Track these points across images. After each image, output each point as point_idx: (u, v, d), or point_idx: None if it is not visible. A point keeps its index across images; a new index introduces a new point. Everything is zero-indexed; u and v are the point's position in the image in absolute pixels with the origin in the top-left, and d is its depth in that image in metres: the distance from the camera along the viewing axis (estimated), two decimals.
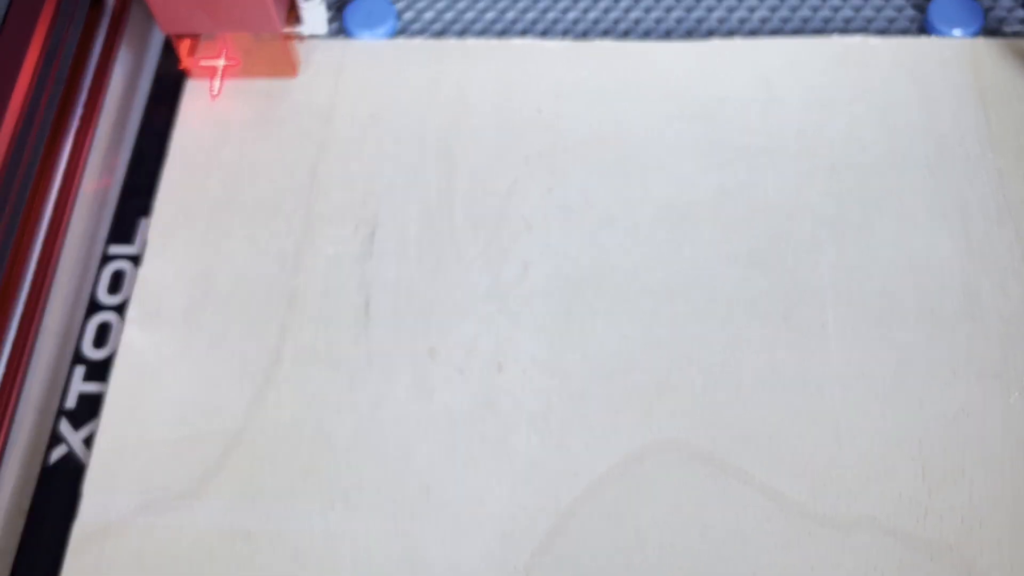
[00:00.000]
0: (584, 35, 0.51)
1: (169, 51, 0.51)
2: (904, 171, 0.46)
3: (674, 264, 0.44)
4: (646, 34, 0.51)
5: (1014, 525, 0.38)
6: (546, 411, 0.41)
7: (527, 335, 0.43)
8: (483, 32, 0.52)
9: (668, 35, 0.51)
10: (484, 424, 0.41)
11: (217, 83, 0.50)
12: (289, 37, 0.49)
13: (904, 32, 0.51)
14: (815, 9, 0.52)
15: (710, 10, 0.52)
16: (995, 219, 0.45)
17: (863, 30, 0.51)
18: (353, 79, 0.50)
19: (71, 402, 0.42)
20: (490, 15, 0.52)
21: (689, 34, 0.51)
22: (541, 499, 0.39)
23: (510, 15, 0.52)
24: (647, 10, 0.52)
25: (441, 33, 0.52)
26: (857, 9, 0.52)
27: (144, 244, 0.46)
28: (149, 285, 0.44)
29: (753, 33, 0.51)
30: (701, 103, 0.49)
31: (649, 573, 0.38)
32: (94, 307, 0.44)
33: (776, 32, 0.51)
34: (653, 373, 0.41)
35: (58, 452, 0.41)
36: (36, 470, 0.41)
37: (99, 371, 0.43)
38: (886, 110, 0.48)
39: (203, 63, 0.50)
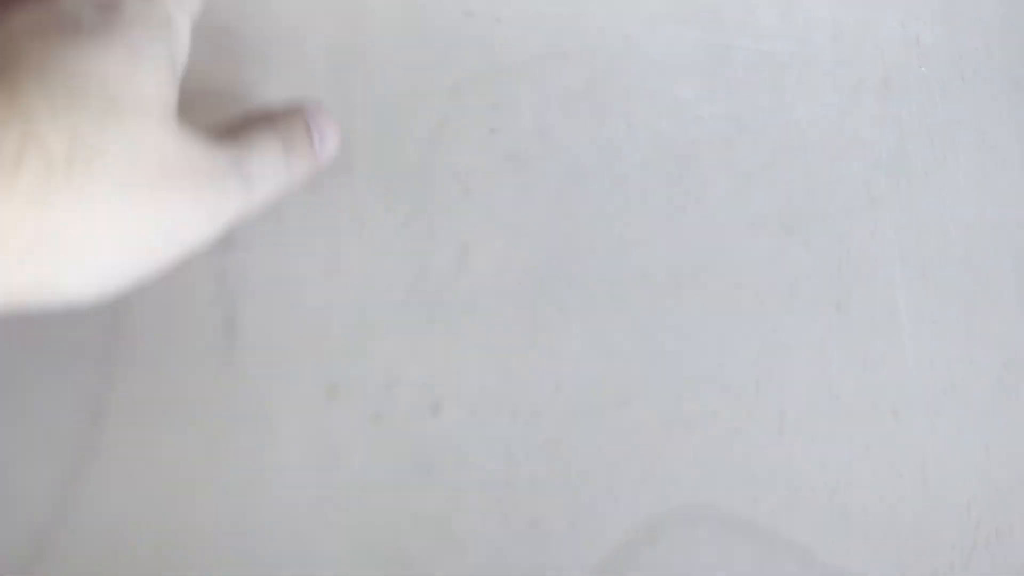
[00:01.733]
0: None
1: None
2: (980, 85, 0.33)
3: (678, 236, 0.31)
4: None
5: None
6: (507, 472, 0.28)
7: (473, 356, 0.29)
8: None
9: None
10: (416, 499, 0.27)
11: None
12: None
13: None
14: None
15: None
16: None
17: None
18: None
19: None
20: None
21: None
22: None
23: None
24: None
25: None
26: None
27: None
28: None
29: None
30: (692, 16, 0.34)
31: None
32: None
33: None
34: (659, 404, 0.28)
35: None
36: None
37: None
38: (950, 2, 0.35)
39: None
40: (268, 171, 0.25)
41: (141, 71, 0.21)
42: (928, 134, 0.32)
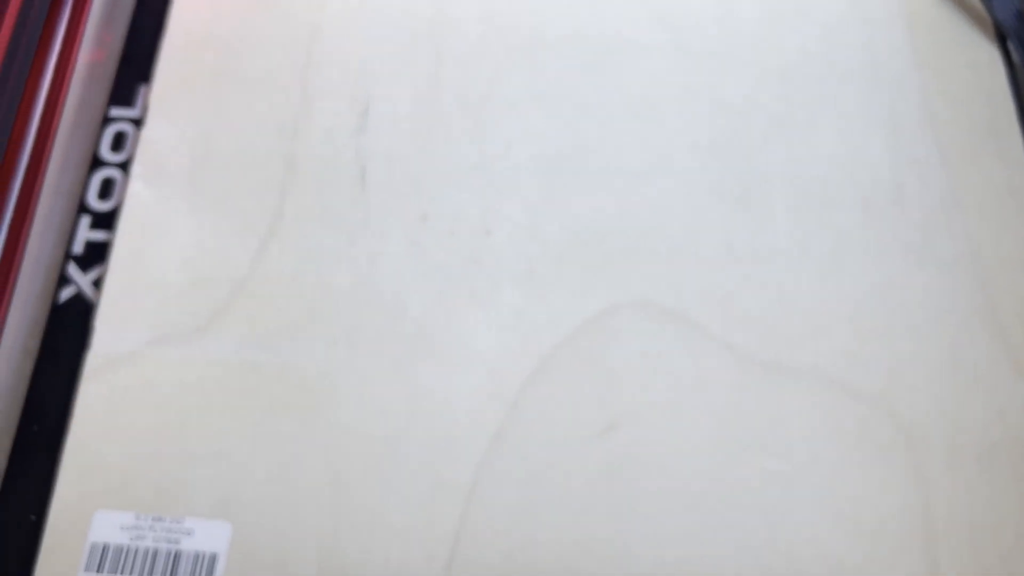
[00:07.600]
0: None
1: None
2: (844, 82, 0.52)
3: (643, 150, 0.49)
4: None
5: (928, 372, 0.44)
6: (529, 271, 0.45)
7: (512, 205, 0.47)
8: None
9: None
10: (473, 280, 0.45)
11: None
12: None
13: None
14: None
15: None
16: (917, 127, 0.51)
17: None
18: None
19: (78, 248, 0.44)
20: None
21: None
22: (525, 344, 0.43)
23: None
24: None
25: None
26: None
27: (145, 108, 0.48)
28: (153, 144, 0.47)
29: None
30: (664, 14, 0.53)
31: (621, 409, 0.42)
32: (97, 163, 0.46)
33: None
34: (624, 242, 0.46)
35: (67, 292, 0.43)
36: (45, 310, 0.43)
37: (105, 221, 0.45)
38: (828, 31, 0.54)
39: None
40: None
41: None
42: (806, 109, 0.51)
